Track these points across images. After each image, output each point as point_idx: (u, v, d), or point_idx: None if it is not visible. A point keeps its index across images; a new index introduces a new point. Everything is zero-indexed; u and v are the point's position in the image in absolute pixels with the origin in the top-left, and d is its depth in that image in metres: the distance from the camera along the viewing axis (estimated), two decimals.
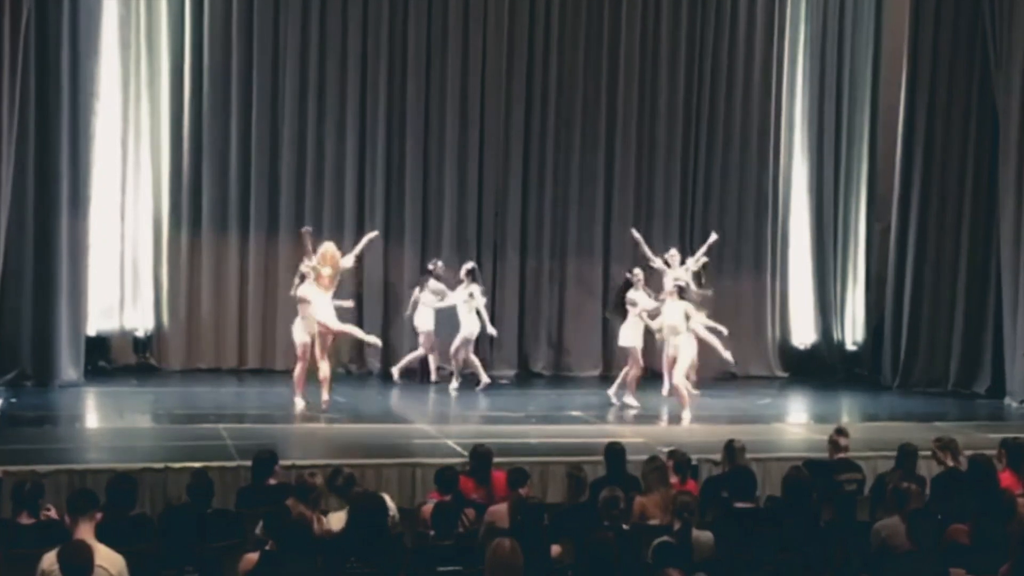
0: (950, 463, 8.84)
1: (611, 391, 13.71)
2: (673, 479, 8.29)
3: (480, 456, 8.55)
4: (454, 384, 14.27)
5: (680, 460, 8.62)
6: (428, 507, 7.66)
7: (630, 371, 13.54)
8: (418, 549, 7.13)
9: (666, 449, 9.11)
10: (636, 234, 14.48)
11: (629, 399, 13.46)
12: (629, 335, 13.51)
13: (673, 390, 13.03)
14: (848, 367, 17.35)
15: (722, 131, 16.78)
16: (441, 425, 11.79)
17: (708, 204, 16.76)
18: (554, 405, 13.57)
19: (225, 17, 15.14)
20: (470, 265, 14.47)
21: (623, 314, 13.50)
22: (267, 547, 6.36)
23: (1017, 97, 14.86)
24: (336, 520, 7.34)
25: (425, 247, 15.77)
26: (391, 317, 15.65)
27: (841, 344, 17.52)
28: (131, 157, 14.94)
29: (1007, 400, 14.86)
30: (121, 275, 14.95)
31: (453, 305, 14.24)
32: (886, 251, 16.47)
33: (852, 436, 9.49)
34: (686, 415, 12.59)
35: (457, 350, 14.24)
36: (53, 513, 6.87)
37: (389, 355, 15.50)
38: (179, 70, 15.05)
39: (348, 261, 12.69)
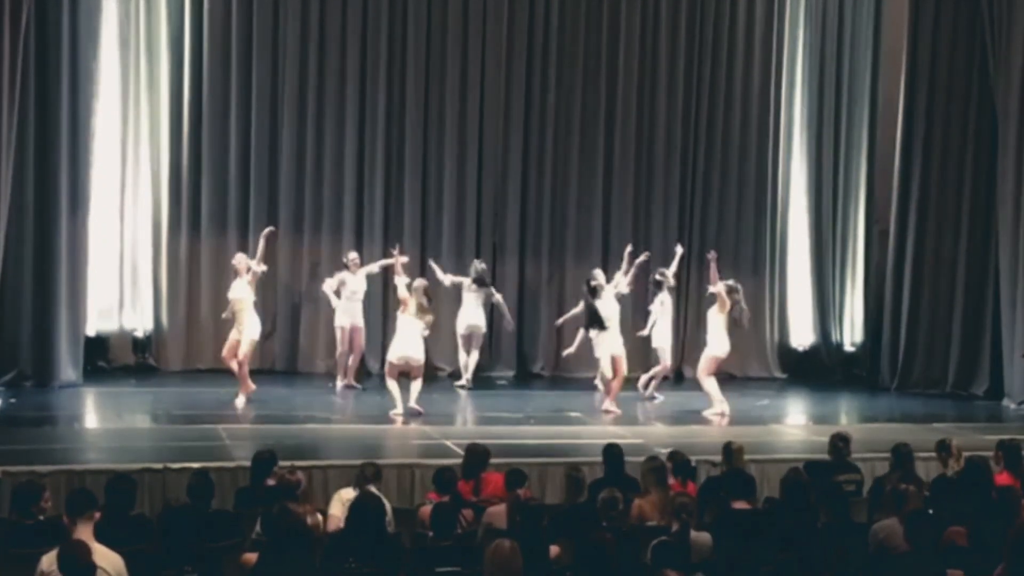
0: (953, 466, 8.85)
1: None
2: (672, 481, 8.31)
3: (473, 454, 8.56)
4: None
5: (679, 462, 8.63)
6: (427, 508, 7.67)
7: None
8: (417, 550, 7.14)
9: (665, 451, 9.12)
10: (680, 249, 14.66)
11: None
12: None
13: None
14: (846, 368, 17.34)
15: (721, 132, 16.78)
16: (440, 426, 11.78)
17: (707, 205, 16.76)
18: (553, 406, 13.57)
19: (225, 17, 15.14)
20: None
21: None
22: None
23: (1017, 97, 14.87)
24: (339, 503, 7.38)
25: (424, 248, 15.77)
26: (390, 318, 15.64)
27: (840, 345, 17.52)
28: (130, 157, 14.94)
29: (1005, 401, 14.87)
30: (120, 275, 14.95)
31: None
32: (885, 252, 16.46)
33: (850, 437, 9.50)
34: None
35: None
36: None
37: (385, 355, 15.53)
38: (179, 70, 15.05)
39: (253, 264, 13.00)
